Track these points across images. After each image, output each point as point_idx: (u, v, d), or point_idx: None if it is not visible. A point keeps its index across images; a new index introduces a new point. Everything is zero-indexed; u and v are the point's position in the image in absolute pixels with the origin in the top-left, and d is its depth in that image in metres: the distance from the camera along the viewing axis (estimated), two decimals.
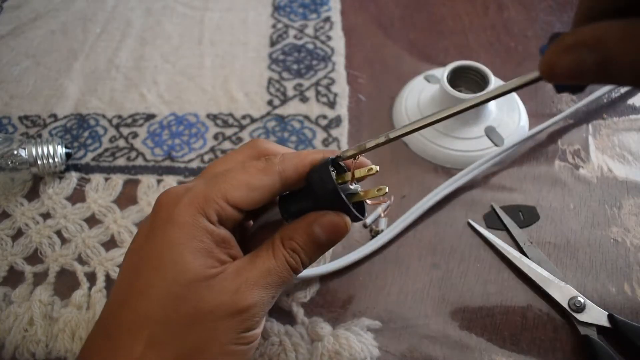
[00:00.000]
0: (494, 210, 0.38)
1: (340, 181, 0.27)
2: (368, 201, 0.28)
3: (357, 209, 0.27)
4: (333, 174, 0.26)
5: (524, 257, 0.35)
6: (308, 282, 0.35)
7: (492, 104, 0.42)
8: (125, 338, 0.24)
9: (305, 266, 0.27)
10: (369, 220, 0.39)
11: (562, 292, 0.33)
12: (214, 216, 0.25)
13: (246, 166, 0.27)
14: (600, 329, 0.32)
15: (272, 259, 0.26)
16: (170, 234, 0.25)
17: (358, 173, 0.27)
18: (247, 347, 0.26)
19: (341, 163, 0.28)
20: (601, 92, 0.44)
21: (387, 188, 0.27)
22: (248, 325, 0.25)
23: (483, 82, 0.41)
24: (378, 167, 0.27)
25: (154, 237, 0.25)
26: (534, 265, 0.35)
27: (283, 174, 0.26)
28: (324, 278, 0.36)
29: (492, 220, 0.38)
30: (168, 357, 0.24)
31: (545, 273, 0.34)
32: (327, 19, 0.54)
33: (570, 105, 0.45)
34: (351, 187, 0.27)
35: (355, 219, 0.27)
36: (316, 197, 0.27)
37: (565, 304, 0.33)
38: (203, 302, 0.24)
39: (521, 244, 0.36)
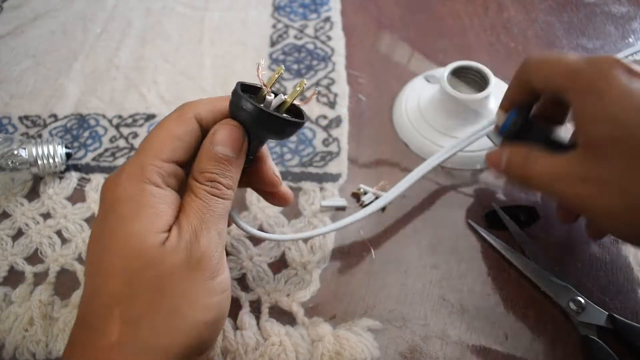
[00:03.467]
0: (494, 210, 0.38)
1: (259, 100, 0.27)
2: (297, 102, 0.28)
3: (295, 115, 0.27)
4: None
5: (524, 257, 0.35)
6: (308, 282, 0.35)
7: (492, 104, 0.42)
8: (100, 323, 0.24)
9: (231, 187, 0.27)
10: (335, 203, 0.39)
11: (561, 292, 0.33)
12: (156, 178, 0.25)
13: (162, 122, 0.28)
14: (600, 329, 0.32)
15: (195, 199, 0.26)
16: (119, 211, 0.25)
17: (269, 81, 0.27)
18: (220, 297, 0.26)
19: (251, 83, 0.28)
20: None
21: (305, 80, 0.27)
22: (210, 272, 0.25)
23: (483, 82, 0.41)
24: (283, 66, 0.28)
25: (105, 221, 0.25)
26: (534, 266, 0.35)
27: (198, 116, 0.27)
28: (324, 278, 0.36)
29: (493, 220, 0.38)
30: (145, 332, 0.23)
31: (545, 273, 0.34)
32: (327, 19, 0.54)
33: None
34: (270, 97, 0.27)
35: (296, 124, 0.27)
36: (245, 123, 0.27)
37: (565, 304, 0.33)
38: (161, 266, 0.24)
39: (521, 244, 0.36)
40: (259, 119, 0.26)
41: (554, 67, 0.29)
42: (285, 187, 0.33)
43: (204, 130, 0.27)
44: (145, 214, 0.25)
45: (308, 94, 0.47)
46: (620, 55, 0.46)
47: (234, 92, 0.26)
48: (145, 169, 0.25)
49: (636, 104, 0.25)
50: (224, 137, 0.26)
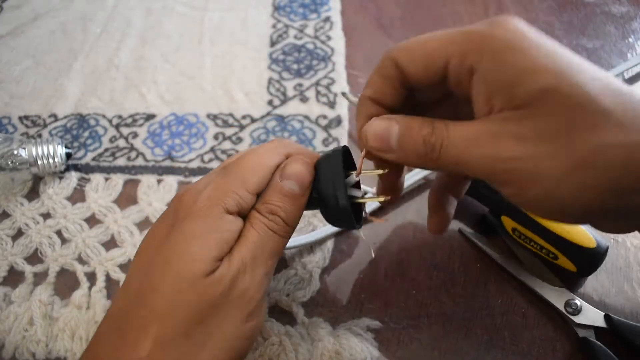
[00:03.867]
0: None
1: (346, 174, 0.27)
2: (367, 211, 0.28)
3: (355, 212, 0.27)
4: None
5: (517, 262, 0.35)
6: (308, 281, 0.35)
7: None
8: (134, 334, 0.24)
9: (289, 224, 0.26)
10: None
11: (557, 295, 0.33)
12: (233, 207, 0.25)
13: (257, 150, 0.27)
14: (598, 330, 0.32)
15: (251, 230, 0.25)
16: (187, 228, 0.25)
17: (366, 172, 0.27)
18: (245, 343, 0.25)
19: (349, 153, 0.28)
20: None
21: (389, 197, 0.27)
22: (247, 312, 0.25)
23: None
24: (386, 170, 0.27)
25: (172, 232, 0.25)
26: (527, 270, 0.35)
27: (288, 155, 0.27)
28: (324, 278, 0.36)
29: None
30: (173, 356, 0.23)
31: (540, 277, 0.34)
32: (327, 19, 0.54)
33: None
34: (352, 180, 0.27)
35: (351, 226, 0.27)
36: (321, 192, 0.27)
37: (561, 307, 0.33)
38: (204, 295, 0.24)
39: (513, 249, 0.36)
40: (337, 208, 0.26)
41: (443, 40, 0.24)
42: None
43: None
44: (210, 237, 0.24)
45: (308, 94, 0.48)
46: (615, 72, 0.46)
47: (336, 157, 0.26)
48: (227, 194, 0.25)
49: (557, 52, 0.22)
50: (294, 172, 0.26)
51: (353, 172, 0.27)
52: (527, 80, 0.21)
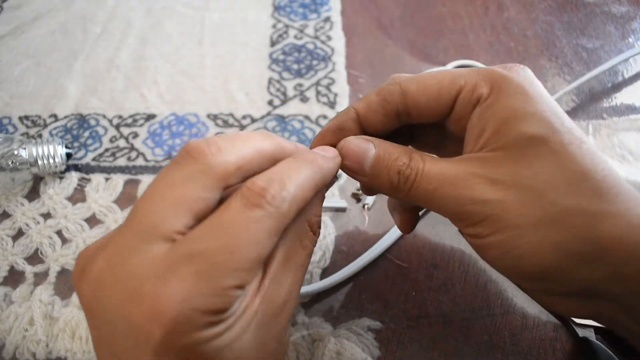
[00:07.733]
0: None
1: None
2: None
3: None
4: None
5: None
6: (308, 282, 0.35)
7: None
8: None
9: (285, 192, 0.20)
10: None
11: None
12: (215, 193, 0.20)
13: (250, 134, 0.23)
14: (598, 330, 0.32)
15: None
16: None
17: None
18: (214, 330, 0.19)
19: None
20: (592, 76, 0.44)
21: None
22: (205, 302, 0.18)
23: None
24: None
25: None
26: None
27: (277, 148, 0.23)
28: (324, 278, 0.36)
29: None
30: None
31: None
32: (327, 19, 0.54)
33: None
34: None
35: None
36: None
37: None
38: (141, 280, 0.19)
39: None
40: None
41: (455, 74, 0.24)
42: None
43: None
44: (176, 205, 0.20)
45: (309, 94, 0.48)
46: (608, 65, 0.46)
47: None
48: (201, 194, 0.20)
49: (556, 108, 0.23)
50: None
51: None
52: (521, 124, 0.22)
